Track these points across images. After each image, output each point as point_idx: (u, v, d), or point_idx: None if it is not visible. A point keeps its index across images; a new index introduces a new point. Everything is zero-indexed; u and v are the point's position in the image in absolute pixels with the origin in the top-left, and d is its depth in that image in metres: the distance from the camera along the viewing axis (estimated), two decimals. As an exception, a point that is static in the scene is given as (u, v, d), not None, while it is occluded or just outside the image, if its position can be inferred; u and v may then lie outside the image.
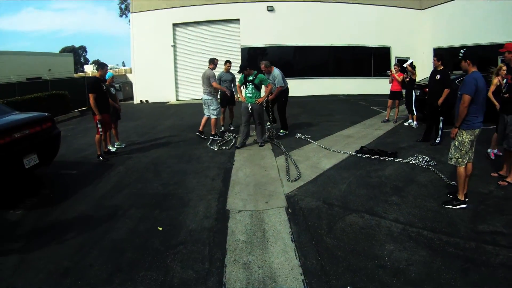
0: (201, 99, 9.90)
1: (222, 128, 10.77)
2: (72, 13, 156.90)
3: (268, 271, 3.59)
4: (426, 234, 4.24)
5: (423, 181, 6.04)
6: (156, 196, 5.79)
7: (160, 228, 4.63)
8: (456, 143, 4.93)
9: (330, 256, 3.83)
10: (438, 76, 8.14)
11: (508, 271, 3.47)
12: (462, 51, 4.94)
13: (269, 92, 8.56)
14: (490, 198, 5.25)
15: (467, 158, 4.94)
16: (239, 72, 8.73)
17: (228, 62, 10.30)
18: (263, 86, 8.59)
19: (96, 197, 5.86)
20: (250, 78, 8.33)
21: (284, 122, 10.08)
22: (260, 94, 8.40)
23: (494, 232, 4.23)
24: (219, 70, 10.22)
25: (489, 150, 7.21)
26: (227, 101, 10.43)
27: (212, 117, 9.72)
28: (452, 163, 5.02)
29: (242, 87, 8.69)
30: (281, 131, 10.04)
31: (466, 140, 4.85)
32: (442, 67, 8.16)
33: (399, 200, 5.26)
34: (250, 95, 8.36)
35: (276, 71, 9.52)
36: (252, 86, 8.32)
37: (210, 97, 9.60)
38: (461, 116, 4.78)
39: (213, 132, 9.84)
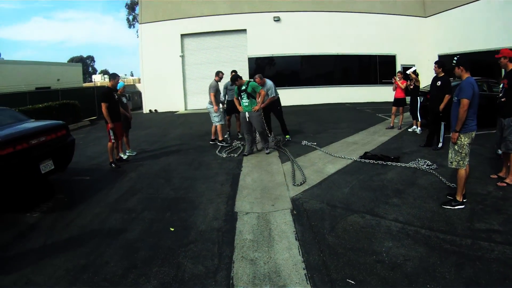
0: None
1: (228, 134, 11.10)
2: (80, 23, 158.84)
3: (273, 266, 3.82)
4: (423, 232, 4.43)
5: (424, 183, 6.22)
6: (168, 200, 6.05)
7: (172, 229, 4.89)
8: (456, 147, 5.11)
9: (331, 252, 4.05)
10: (439, 83, 8.37)
11: (503, 265, 3.62)
12: (455, 58, 5.18)
13: (263, 98, 8.78)
14: (488, 199, 5.40)
15: (467, 160, 5.12)
16: (231, 85, 9.31)
17: (233, 72, 10.65)
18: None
19: (110, 201, 6.12)
20: (243, 87, 8.60)
21: (285, 128, 10.58)
22: (255, 102, 8.62)
23: (490, 230, 4.39)
24: (226, 80, 10.65)
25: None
26: (232, 109, 10.77)
27: (215, 123, 10.20)
28: (453, 166, 5.18)
29: (238, 97, 8.88)
30: (287, 136, 10.48)
31: (465, 143, 5.04)
32: (443, 74, 8.39)
33: (400, 201, 5.46)
34: (246, 103, 8.61)
35: (269, 82, 10.03)
36: (246, 95, 8.57)
37: (212, 106, 10.09)
38: (462, 119, 4.97)
39: (220, 138, 10.21)
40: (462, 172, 5.10)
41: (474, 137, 5.15)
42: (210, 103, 10.13)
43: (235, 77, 8.73)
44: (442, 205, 5.18)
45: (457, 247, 4.03)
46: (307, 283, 3.49)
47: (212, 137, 10.60)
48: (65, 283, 3.71)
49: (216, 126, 10.30)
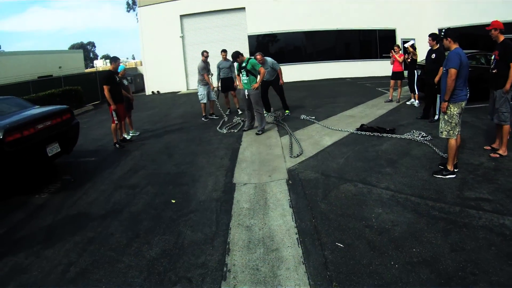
0: None
1: (228, 111, 11.50)
2: (78, 10, 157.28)
3: (268, 232, 4.06)
4: (413, 199, 4.61)
5: (417, 154, 6.36)
6: (170, 175, 6.30)
7: (173, 201, 5.15)
8: (446, 117, 5.22)
9: (323, 218, 4.27)
10: (433, 55, 8.44)
11: (489, 232, 3.73)
12: (443, 30, 5.27)
13: (263, 76, 8.82)
14: (480, 169, 5.49)
15: (458, 130, 5.23)
16: (232, 62, 9.47)
17: (223, 51, 10.96)
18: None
19: (115, 179, 6.36)
20: (243, 65, 8.64)
21: (285, 103, 10.75)
22: (255, 80, 8.66)
23: (480, 199, 4.49)
24: (213, 59, 11.32)
25: None
26: (227, 87, 11.13)
27: (211, 99, 11.01)
28: (444, 136, 5.30)
29: (239, 74, 8.94)
30: (286, 111, 10.68)
31: (455, 113, 5.14)
32: (437, 46, 8.44)
33: (392, 171, 5.63)
34: (246, 81, 8.65)
35: (268, 59, 10.10)
36: (246, 72, 8.60)
37: (197, 85, 10.80)
38: (450, 89, 5.05)
39: (203, 114, 11.10)
40: (453, 142, 5.22)
41: (465, 107, 5.24)
42: (199, 82, 10.70)
43: (236, 54, 8.74)
44: (433, 174, 5.33)
45: (445, 214, 4.17)
46: (299, 247, 3.72)
47: (211, 112, 11.26)
48: (74, 254, 3.96)
49: (212, 102, 11.06)
